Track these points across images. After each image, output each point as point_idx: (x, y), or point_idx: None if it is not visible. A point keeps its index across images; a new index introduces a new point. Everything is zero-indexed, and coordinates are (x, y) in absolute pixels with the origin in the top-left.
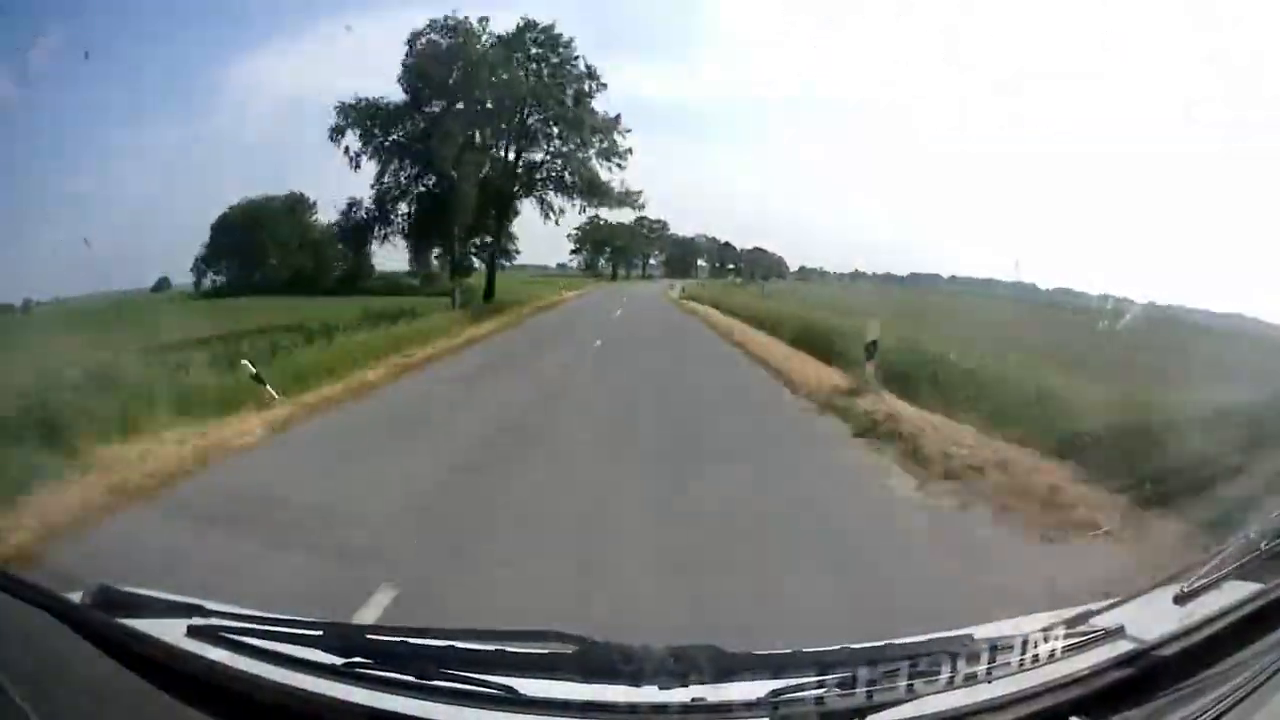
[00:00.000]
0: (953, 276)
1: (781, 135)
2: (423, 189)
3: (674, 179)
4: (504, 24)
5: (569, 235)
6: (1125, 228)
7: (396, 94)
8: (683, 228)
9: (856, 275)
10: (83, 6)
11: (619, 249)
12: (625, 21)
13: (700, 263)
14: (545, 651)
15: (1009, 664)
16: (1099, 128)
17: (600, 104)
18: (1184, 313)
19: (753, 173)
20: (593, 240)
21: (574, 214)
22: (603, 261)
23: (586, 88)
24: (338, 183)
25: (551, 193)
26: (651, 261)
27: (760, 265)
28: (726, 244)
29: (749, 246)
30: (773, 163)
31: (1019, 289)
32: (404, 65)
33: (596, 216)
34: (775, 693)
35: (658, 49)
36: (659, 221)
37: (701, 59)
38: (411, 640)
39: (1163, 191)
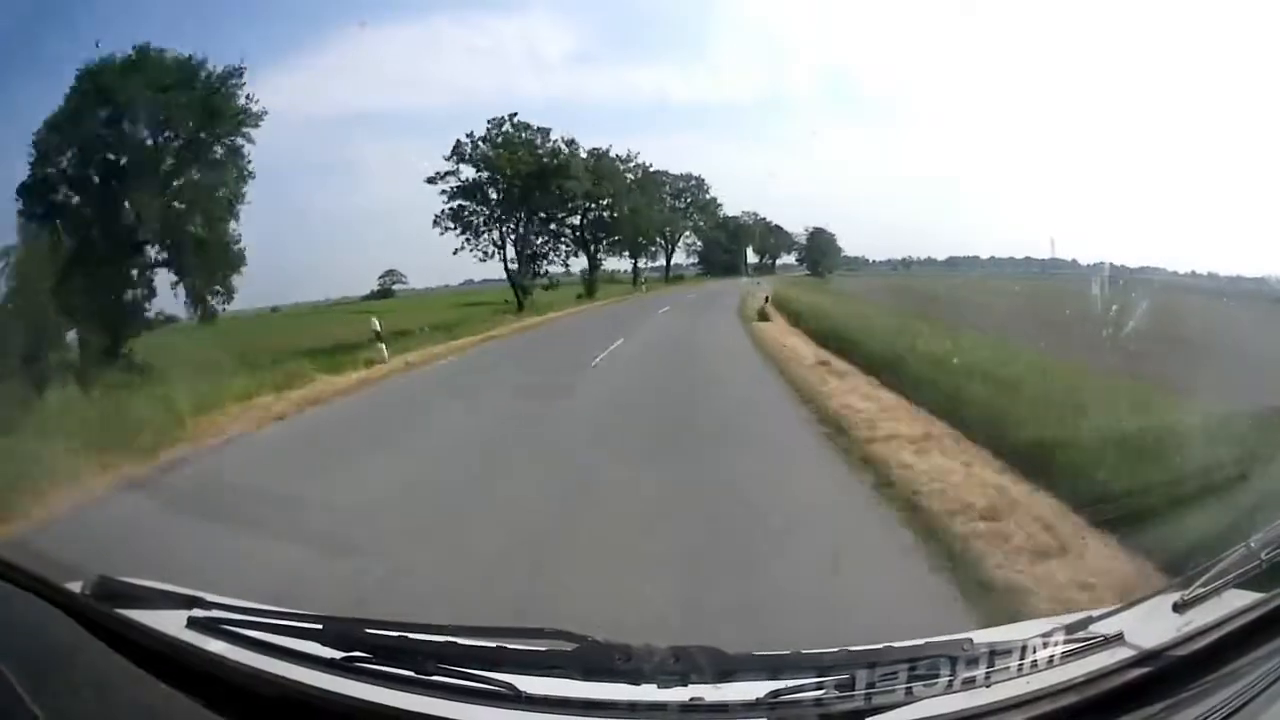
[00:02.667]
0: (991, 257)
1: (819, 127)
2: None
3: (707, 168)
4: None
5: (431, 180)
6: (1160, 200)
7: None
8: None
9: (908, 262)
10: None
11: (610, 222)
12: (650, 26)
13: (749, 254)
14: (545, 649)
15: (1008, 669)
16: (1129, 102)
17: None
18: (1222, 281)
19: (790, 166)
20: (513, 192)
21: None
22: (576, 258)
23: None
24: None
25: None
26: (680, 258)
27: (827, 253)
28: (777, 227)
29: (807, 228)
30: (810, 155)
31: (1057, 266)
32: None
33: (512, 116)
34: (774, 694)
35: (684, 49)
36: (690, 177)
37: (730, 57)
38: (411, 635)
39: (1196, 164)
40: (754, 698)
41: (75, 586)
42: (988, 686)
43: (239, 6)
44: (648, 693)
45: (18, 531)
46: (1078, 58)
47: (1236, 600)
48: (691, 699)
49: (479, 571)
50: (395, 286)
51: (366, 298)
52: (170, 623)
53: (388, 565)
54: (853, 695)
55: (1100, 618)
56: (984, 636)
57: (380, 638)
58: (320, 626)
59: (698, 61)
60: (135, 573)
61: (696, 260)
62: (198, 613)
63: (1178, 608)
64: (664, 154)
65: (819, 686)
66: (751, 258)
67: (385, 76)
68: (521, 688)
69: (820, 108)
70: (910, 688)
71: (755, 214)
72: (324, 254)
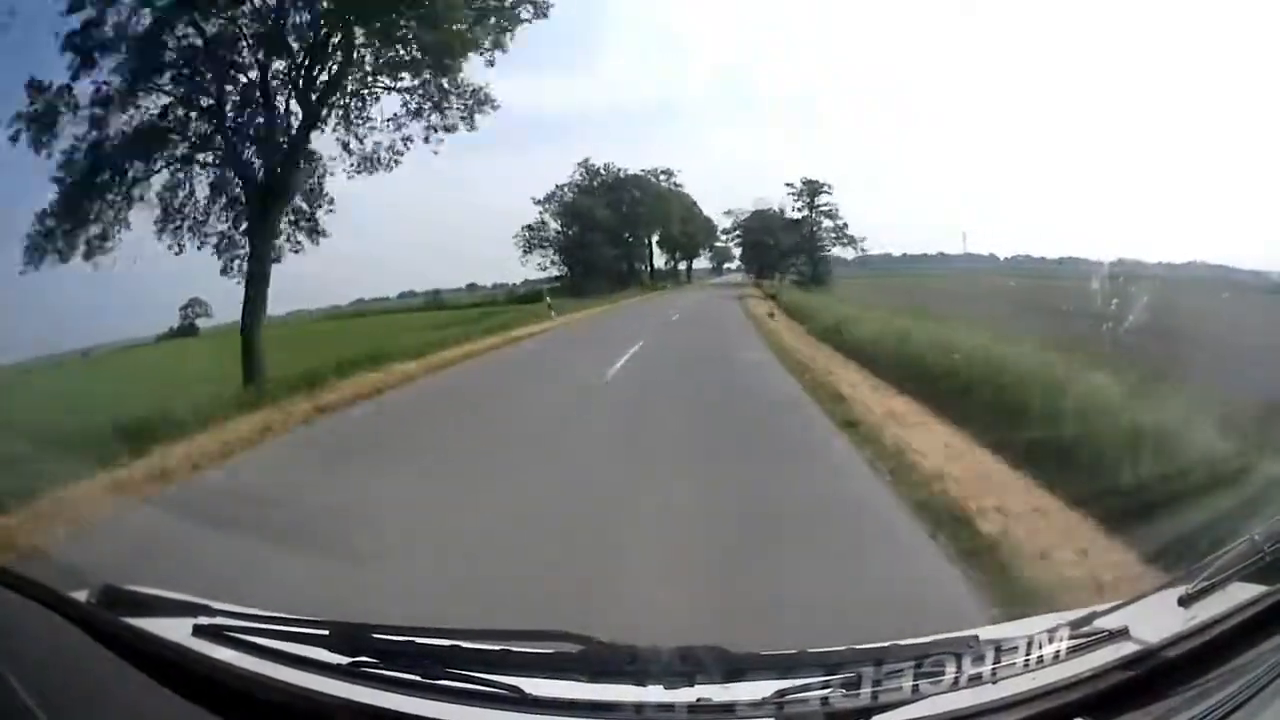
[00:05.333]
0: (904, 254)
1: (713, 127)
2: None
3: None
4: None
5: None
6: (1075, 191)
7: None
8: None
9: (835, 262)
10: None
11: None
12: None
13: (655, 246)
14: (551, 651)
15: (1014, 665)
16: (1040, 89)
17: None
18: (1146, 267)
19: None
20: None
21: None
22: None
23: None
24: None
25: None
26: (530, 268)
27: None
28: (694, 204)
29: (747, 209)
30: (704, 157)
31: (973, 260)
32: None
33: None
34: (781, 693)
35: (571, 55)
36: None
37: (619, 60)
38: (417, 640)
39: (1111, 151)
40: (760, 697)
41: (81, 595)
42: (994, 683)
43: None
44: (654, 693)
45: None
46: (977, 49)
47: (1241, 594)
48: (698, 699)
49: None
50: (199, 320)
51: (163, 337)
52: (176, 630)
53: None
54: (859, 694)
55: (1105, 613)
56: (989, 633)
57: (386, 642)
58: (326, 632)
59: (584, 67)
60: None
61: (556, 260)
62: (203, 620)
63: (1182, 602)
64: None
65: (825, 685)
66: (656, 257)
67: None
68: (528, 690)
69: (714, 109)
70: (916, 685)
71: (668, 172)
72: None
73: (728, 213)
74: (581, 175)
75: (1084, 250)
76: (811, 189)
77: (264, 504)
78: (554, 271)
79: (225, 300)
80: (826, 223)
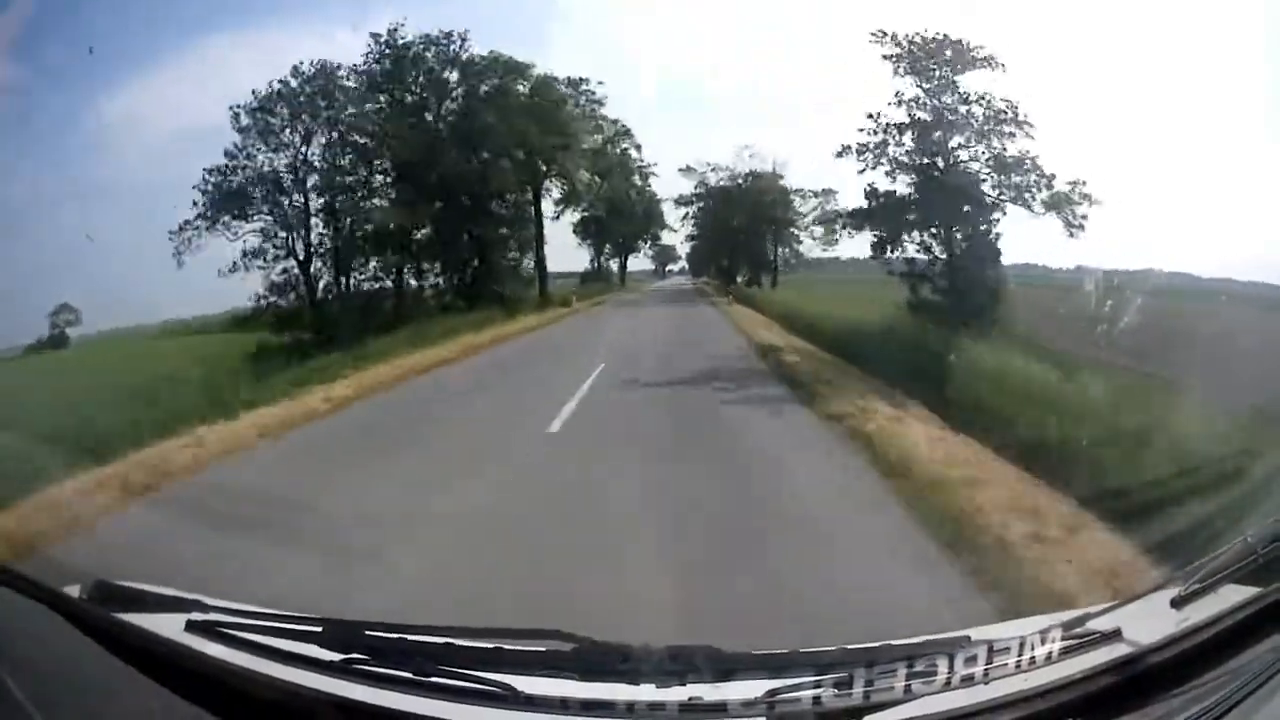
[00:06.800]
0: (848, 257)
1: (653, 125)
2: None
3: None
4: None
5: None
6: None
7: None
8: None
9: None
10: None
11: None
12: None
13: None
14: (544, 649)
15: (1006, 666)
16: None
17: None
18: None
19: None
20: None
21: None
22: None
23: None
24: None
25: None
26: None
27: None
28: (625, 133)
29: (723, 165)
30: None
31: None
32: None
33: None
34: (772, 692)
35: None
36: None
37: (566, 59)
38: (410, 637)
39: (1070, 155)
40: (752, 697)
41: (73, 590)
42: (986, 683)
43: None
44: (646, 692)
45: None
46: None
47: (1234, 595)
48: (690, 698)
49: None
50: (70, 330)
51: (31, 349)
52: (169, 626)
53: None
54: (851, 693)
55: (1098, 614)
56: (982, 634)
57: (379, 639)
58: (319, 629)
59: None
60: None
61: (277, 245)
62: (196, 616)
63: (1175, 603)
64: None
65: (817, 685)
66: (560, 254)
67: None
68: (520, 688)
69: (654, 108)
70: (909, 685)
71: (578, 82)
72: None
73: (685, 169)
74: (371, 52)
75: (1036, 256)
76: (938, 52)
77: None
78: (278, 274)
79: (100, 305)
80: (996, 146)
